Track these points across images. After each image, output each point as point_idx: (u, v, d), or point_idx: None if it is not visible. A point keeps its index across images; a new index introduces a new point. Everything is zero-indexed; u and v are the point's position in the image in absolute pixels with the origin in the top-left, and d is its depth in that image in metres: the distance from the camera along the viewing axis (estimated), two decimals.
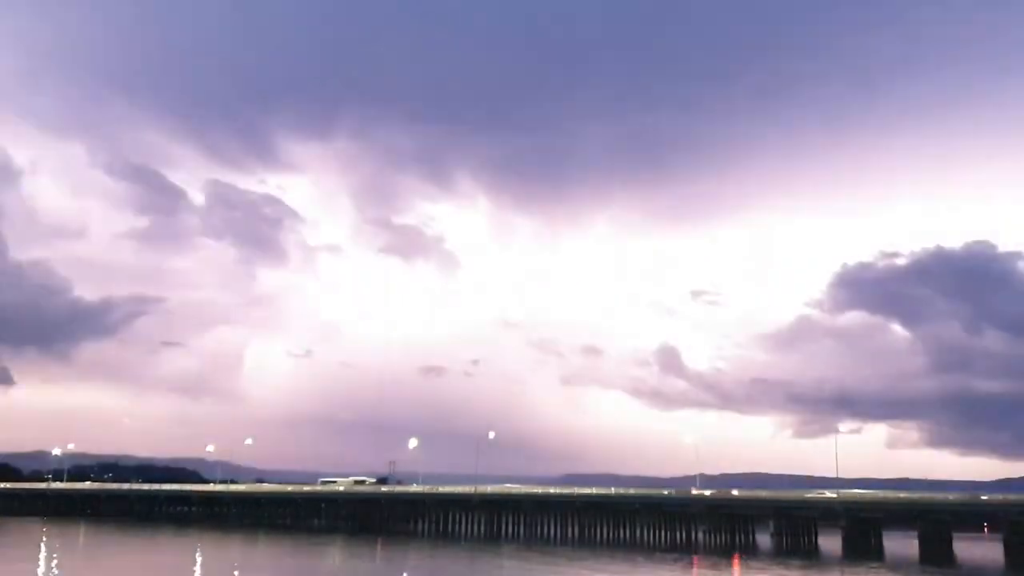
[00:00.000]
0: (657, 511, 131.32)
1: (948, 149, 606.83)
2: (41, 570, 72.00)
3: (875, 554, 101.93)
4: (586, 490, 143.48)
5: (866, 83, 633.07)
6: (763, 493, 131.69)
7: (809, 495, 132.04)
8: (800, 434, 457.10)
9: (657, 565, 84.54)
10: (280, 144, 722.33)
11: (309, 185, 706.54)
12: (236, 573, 72.07)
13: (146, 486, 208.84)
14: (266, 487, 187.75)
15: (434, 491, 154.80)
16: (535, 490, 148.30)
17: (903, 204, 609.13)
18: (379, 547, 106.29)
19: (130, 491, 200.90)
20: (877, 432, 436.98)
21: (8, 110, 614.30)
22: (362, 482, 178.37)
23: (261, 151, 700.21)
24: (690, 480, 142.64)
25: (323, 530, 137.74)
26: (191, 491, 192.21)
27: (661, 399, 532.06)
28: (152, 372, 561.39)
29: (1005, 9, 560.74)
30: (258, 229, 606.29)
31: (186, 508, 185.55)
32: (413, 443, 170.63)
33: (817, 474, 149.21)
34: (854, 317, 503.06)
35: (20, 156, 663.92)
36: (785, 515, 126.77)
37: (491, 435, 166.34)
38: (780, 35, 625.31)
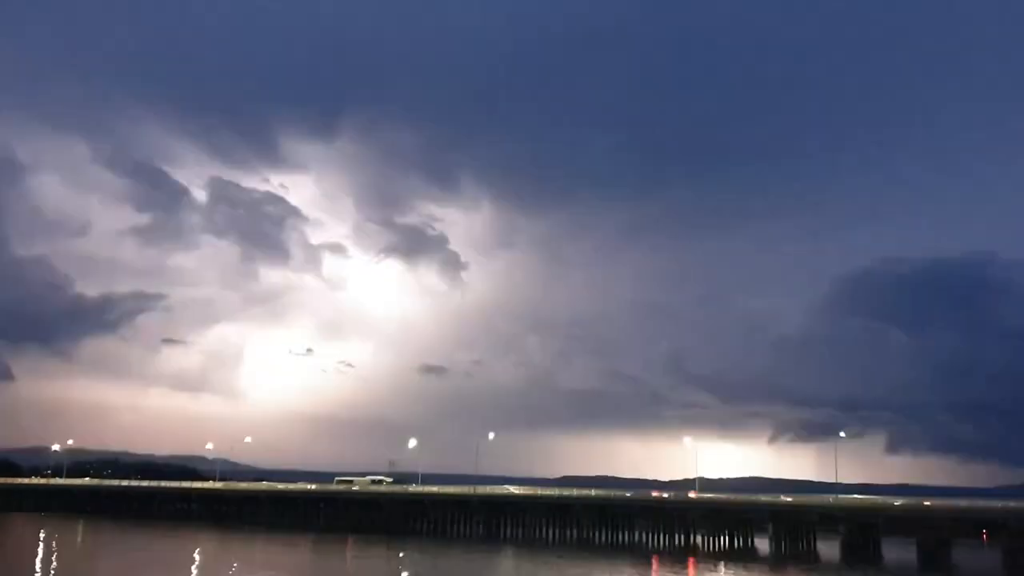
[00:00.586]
0: (656, 514, 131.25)
1: (951, 157, 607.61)
2: (39, 566, 72.08)
3: (873, 560, 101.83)
4: (585, 492, 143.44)
5: (869, 90, 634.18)
6: (762, 497, 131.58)
7: (808, 500, 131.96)
8: (801, 439, 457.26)
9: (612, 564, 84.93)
10: (283, 143, 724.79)
11: (312, 184, 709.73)
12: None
13: (145, 483, 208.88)
14: (266, 485, 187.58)
15: (433, 492, 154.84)
16: (534, 492, 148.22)
17: (905, 212, 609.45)
18: (350, 546, 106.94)
19: (129, 488, 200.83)
20: (878, 438, 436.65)
21: (11, 106, 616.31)
22: (379, 481, 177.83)
23: (265, 149, 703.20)
24: (690, 484, 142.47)
25: (322, 529, 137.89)
26: (191, 488, 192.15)
27: (663, 402, 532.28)
28: (153, 369, 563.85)
29: (1007, 16, 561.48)
30: (260, 227, 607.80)
31: (185, 505, 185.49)
32: (413, 443, 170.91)
33: (817, 479, 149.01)
34: (855, 324, 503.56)
35: (23, 152, 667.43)
36: (784, 519, 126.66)
37: (491, 436, 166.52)
38: (782, 41, 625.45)
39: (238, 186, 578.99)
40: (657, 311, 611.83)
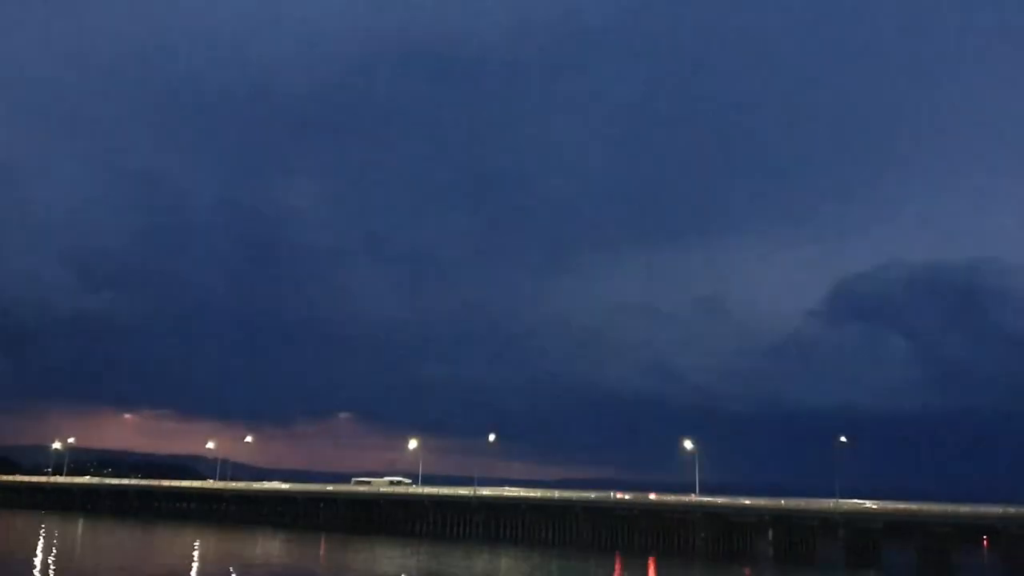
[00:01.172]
0: (655, 517, 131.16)
1: (951, 163, 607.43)
2: (39, 562, 72.12)
3: (873, 564, 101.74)
4: (585, 494, 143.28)
5: (870, 97, 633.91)
6: (762, 501, 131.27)
7: (808, 504, 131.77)
8: (799, 442, 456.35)
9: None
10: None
11: (312, 187, 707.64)
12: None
13: (145, 482, 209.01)
14: (265, 485, 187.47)
15: (433, 492, 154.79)
16: (534, 494, 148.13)
17: (904, 217, 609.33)
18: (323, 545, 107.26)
19: (129, 486, 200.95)
20: (875, 442, 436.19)
21: (14, 111, 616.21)
22: (399, 482, 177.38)
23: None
24: (690, 487, 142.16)
25: (321, 529, 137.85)
26: (190, 487, 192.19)
27: (662, 405, 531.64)
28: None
29: (1010, 21, 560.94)
30: (262, 231, 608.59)
31: (185, 504, 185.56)
32: (412, 444, 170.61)
33: (820, 484, 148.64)
34: (853, 328, 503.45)
35: (24, 157, 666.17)
36: (784, 523, 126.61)
37: (491, 438, 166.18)
38: (787, 48, 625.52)
39: (244, 192, 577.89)
40: (656, 314, 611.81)
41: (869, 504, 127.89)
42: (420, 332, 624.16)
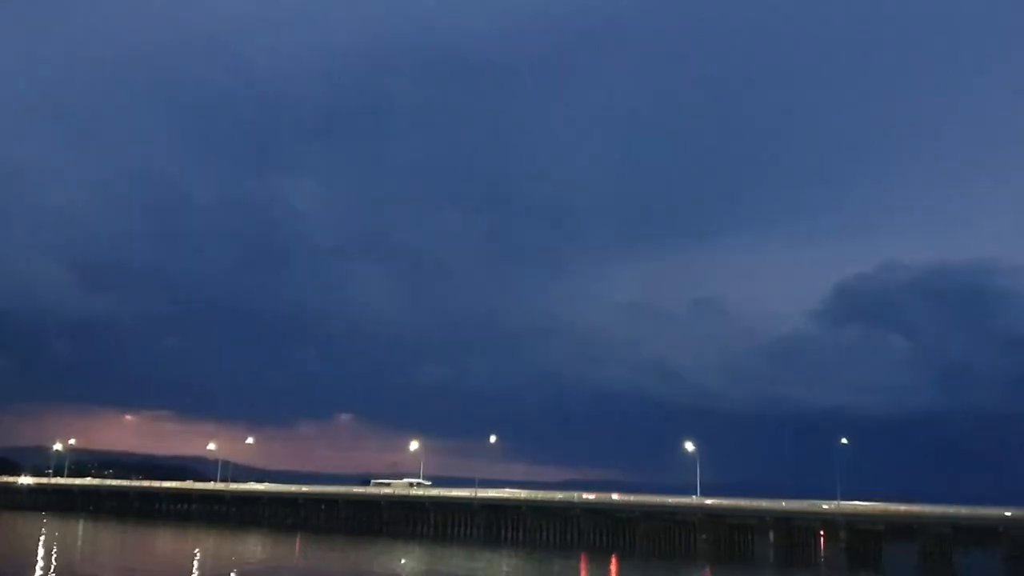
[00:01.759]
0: (657, 518, 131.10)
1: (952, 164, 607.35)
2: (40, 563, 72.09)
3: (875, 566, 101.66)
4: (586, 496, 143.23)
5: (870, 97, 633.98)
6: (764, 503, 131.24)
7: (810, 505, 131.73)
8: (800, 444, 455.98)
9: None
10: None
11: (313, 187, 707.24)
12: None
13: (146, 483, 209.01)
14: (267, 486, 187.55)
15: (434, 494, 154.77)
16: (535, 495, 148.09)
17: (905, 218, 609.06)
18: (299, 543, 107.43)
19: (130, 488, 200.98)
20: (878, 444, 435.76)
21: (13, 110, 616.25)
22: (418, 484, 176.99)
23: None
24: (691, 487, 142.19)
25: (322, 530, 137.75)
26: (191, 489, 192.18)
27: (662, 406, 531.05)
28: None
29: (1005, 23, 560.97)
30: (263, 231, 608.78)
31: (186, 506, 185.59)
32: (414, 445, 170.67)
33: (820, 485, 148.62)
34: (854, 329, 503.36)
35: (24, 156, 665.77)
36: (785, 525, 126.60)
37: (492, 439, 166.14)
38: (785, 48, 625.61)
39: (239, 188, 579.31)
40: (657, 314, 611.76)
41: (870, 506, 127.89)
42: (420, 333, 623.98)
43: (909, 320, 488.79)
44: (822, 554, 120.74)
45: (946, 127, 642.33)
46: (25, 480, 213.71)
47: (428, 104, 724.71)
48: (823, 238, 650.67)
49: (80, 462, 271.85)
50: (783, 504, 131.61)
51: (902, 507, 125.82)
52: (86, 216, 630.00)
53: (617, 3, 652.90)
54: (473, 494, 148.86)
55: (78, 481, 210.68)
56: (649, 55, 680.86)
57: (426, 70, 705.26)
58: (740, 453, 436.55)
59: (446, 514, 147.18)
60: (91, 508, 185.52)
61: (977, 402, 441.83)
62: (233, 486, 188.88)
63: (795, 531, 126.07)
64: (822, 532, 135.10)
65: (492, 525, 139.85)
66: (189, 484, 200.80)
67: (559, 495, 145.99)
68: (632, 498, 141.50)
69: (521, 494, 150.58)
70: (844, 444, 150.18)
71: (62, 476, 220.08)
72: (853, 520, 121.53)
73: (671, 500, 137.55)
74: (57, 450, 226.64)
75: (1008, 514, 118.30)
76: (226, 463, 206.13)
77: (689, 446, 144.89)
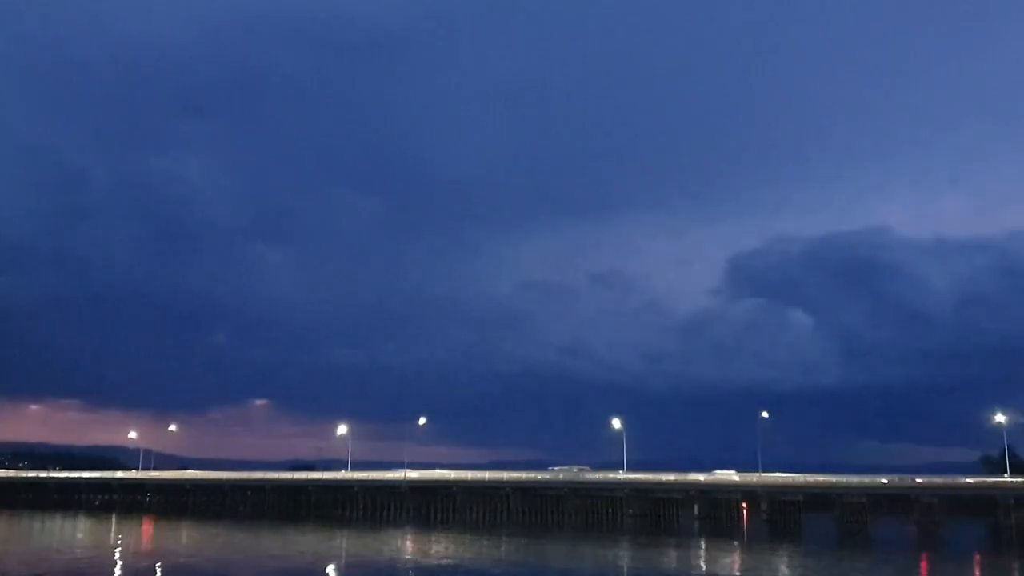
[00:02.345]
0: (584, 495, 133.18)
1: (844, 136, 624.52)
2: None
3: (795, 536, 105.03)
4: (515, 475, 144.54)
5: (763, 75, 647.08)
6: (688, 477, 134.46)
7: (732, 478, 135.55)
8: (723, 421, 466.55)
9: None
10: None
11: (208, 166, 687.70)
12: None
13: (64, 474, 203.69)
14: (190, 474, 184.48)
15: (362, 478, 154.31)
16: (465, 475, 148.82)
17: (797, 191, 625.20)
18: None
19: (48, 479, 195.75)
20: (796, 418, 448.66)
21: None
22: (582, 470, 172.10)
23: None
24: (616, 465, 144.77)
25: (248, 517, 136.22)
26: (112, 478, 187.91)
27: (580, 384, 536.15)
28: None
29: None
30: (162, 211, 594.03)
31: (107, 496, 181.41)
32: (341, 430, 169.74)
33: (744, 460, 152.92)
34: (752, 304, 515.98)
35: None
36: (710, 498, 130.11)
37: (421, 421, 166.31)
38: (679, 29, 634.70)
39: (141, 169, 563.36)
40: (560, 292, 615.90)
41: (790, 477, 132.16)
42: (328, 315, 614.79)
43: (806, 294, 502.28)
44: (745, 525, 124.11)
45: (841, 97, 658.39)
46: None
47: (313, 78, 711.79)
48: (717, 214, 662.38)
49: None
50: (707, 477, 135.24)
51: (820, 478, 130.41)
52: None
53: None
54: (402, 476, 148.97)
55: None
56: (545, 26, 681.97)
57: (310, 42, 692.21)
58: (659, 430, 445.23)
59: (375, 498, 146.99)
60: (7, 502, 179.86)
61: (877, 374, 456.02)
62: (155, 474, 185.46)
63: (718, 504, 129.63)
64: (744, 504, 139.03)
65: (422, 508, 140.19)
66: (109, 474, 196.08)
67: (487, 475, 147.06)
68: (560, 475, 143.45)
69: (451, 475, 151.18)
70: (764, 417, 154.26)
71: None
72: (774, 492, 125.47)
73: (598, 476, 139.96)
74: None
75: (919, 481, 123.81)
76: (148, 452, 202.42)
77: (616, 423, 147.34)
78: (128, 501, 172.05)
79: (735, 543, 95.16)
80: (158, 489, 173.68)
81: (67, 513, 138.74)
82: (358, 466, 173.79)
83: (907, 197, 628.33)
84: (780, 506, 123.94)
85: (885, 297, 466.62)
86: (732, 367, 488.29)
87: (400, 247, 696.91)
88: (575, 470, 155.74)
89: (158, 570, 60.56)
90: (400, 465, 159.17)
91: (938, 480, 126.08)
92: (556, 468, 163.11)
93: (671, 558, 77.15)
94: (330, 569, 64.71)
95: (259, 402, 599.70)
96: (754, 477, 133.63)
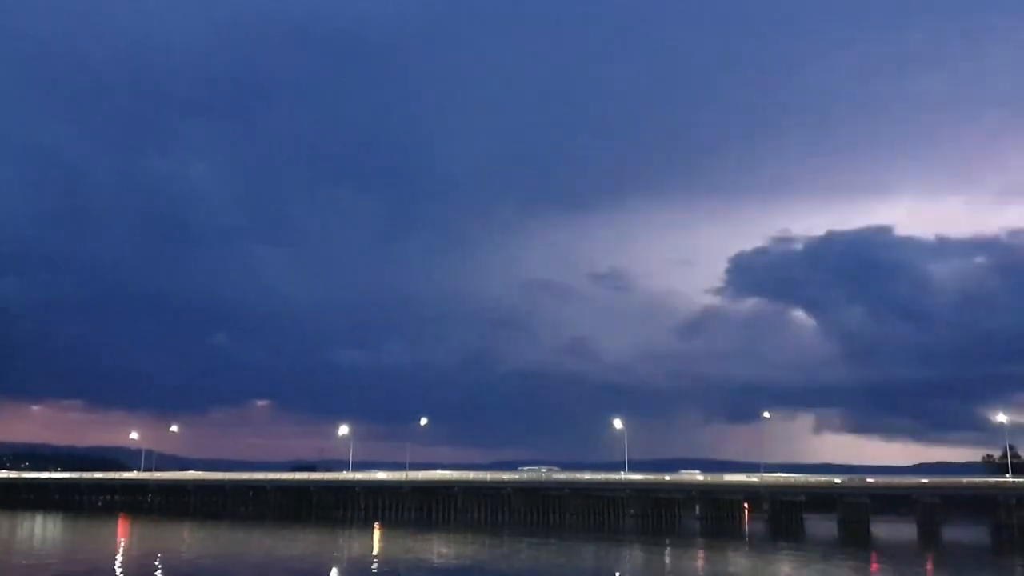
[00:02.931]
0: (586, 496, 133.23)
1: (845, 135, 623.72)
2: None
3: (797, 535, 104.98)
4: (516, 475, 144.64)
5: (760, 69, 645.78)
6: (689, 477, 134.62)
7: (734, 479, 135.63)
8: (728, 421, 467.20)
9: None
10: None
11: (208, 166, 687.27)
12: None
13: (66, 474, 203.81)
14: (192, 474, 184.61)
15: (364, 478, 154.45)
16: (467, 476, 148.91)
17: (799, 190, 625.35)
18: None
19: (50, 480, 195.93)
20: (804, 419, 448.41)
21: None
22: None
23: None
24: (618, 465, 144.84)
25: (249, 517, 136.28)
26: (114, 479, 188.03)
27: (583, 383, 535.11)
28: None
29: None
30: (164, 213, 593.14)
31: (110, 497, 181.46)
32: (343, 430, 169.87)
33: (746, 460, 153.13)
34: (754, 303, 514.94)
35: None
36: (711, 499, 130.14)
37: (423, 421, 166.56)
38: (672, 22, 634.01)
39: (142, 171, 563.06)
40: (562, 292, 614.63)
41: (792, 477, 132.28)
42: (330, 316, 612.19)
43: (807, 293, 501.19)
44: (746, 525, 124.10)
45: (838, 101, 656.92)
46: None
47: (315, 78, 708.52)
48: (718, 213, 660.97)
49: None
50: (708, 478, 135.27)
51: (822, 478, 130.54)
52: None
53: None
54: (404, 477, 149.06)
55: None
56: (545, 25, 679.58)
57: (311, 43, 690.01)
58: (662, 429, 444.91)
59: (377, 498, 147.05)
60: (9, 504, 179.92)
61: (879, 372, 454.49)
62: (158, 475, 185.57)
63: (720, 504, 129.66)
64: (746, 504, 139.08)
65: (424, 508, 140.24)
66: (112, 475, 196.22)
67: (489, 475, 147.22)
68: (562, 476, 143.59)
69: (452, 475, 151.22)
70: (765, 417, 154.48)
71: None
72: (775, 492, 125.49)
73: (600, 477, 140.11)
74: None
75: (925, 481, 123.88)
76: (149, 453, 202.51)
77: (617, 423, 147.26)
78: (130, 502, 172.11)
79: (736, 543, 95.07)
80: (160, 490, 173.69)
81: (68, 514, 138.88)
82: (359, 466, 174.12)
83: (908, 196, 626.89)
84: (782, 506, 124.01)
85: (886, 296, 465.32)
86: (733, 367, 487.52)
87: (400, 247, 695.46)
88: (543, 471, 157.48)
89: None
90: (402, 466, 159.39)
91: (940, 480, 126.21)
92: (524, 468, 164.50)
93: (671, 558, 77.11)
94: (332, 571, 64.70)
95: (260, 403, 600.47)
96: (756, 477, 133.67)
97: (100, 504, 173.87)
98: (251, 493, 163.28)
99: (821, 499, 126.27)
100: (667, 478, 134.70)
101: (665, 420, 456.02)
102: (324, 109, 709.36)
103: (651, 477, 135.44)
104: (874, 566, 73.15)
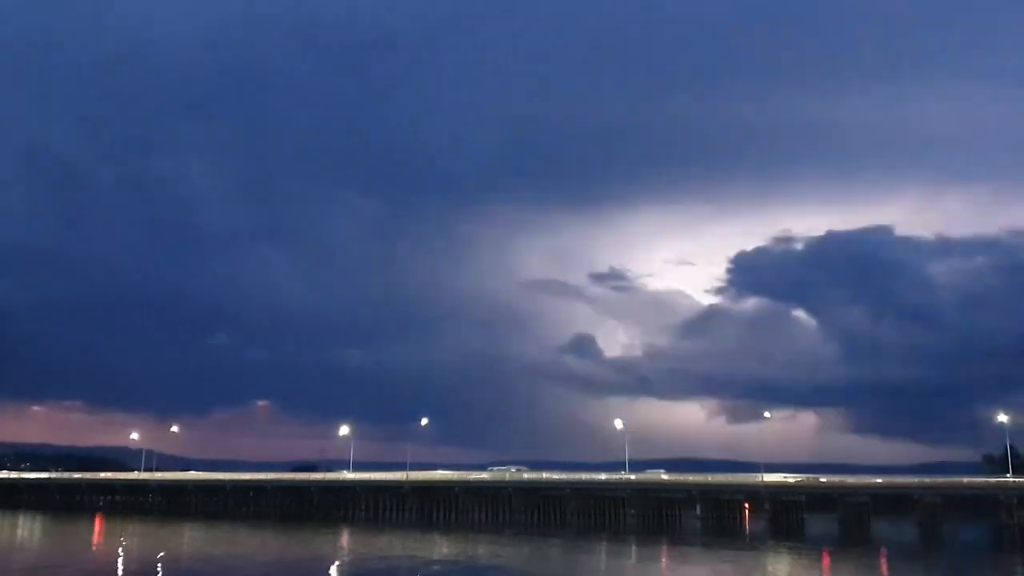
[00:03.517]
0: (587, 495, 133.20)
1: (846, 135, 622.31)
2: None
3: (798, 535, 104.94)
4: (516, 475, 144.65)
5: (759, 66, 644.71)
6: (690, 477, 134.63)
7: (734, 479, 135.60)
8: (729, 421, 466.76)
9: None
10: None
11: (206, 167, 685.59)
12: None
13: (67, 475, 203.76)
14: (193, 475, 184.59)
15: (364, 478, 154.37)
16: (467, 476, 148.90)
17: (800, 190, 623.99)
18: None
19: (51, 480, 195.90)
20: (804, 419, 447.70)
21: None
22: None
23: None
24: (620, 466, 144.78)
25: (250, 518, 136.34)
26: (115, 479, 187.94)
27: (584, 385, 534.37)
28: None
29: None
30: (165, 214, 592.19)
31: (110, 497, 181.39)
32: (344, 431, 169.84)
33: (747, 460, 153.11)
34: (755, 304, 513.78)
35: None
36: (712, 499, 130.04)
37: (424, 422, 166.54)
38: (677, 22, 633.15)
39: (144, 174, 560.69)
40: (564, 291, 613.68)
41: (792, 477, 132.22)
42: (330, 316, 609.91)
43: (808, 293, 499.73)
44: (747, 525, 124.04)
45: (839, 101, 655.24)
46: None
47: (315, 78, 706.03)
48: (719, 213, 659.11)
49: None
50: (709, 478, 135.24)
51: (823, 478, 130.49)
52: None
53: None
54: (405, 477, 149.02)
55: None
56: (545, 24, 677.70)
57: (312, 43, 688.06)
58: (662, 429, 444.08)
59: (378, 498, 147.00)
60: (9, 504, 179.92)
61: (881, 372, 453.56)
62: (158, 475, 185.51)
63: (721, 504, 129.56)
64: (747, 504, 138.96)
65: (424, 508, 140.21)
66: (112, 475, 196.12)
67: (487, 475, 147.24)
68: (563, 476, 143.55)
69: (453, 476, 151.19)
70: (767, 417, 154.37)
71: None
72: (776, 492, 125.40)
73: (601, 477, 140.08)
74: None
75: (922, 482, 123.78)
76: (150, 453, 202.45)
77: (618, 423, 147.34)
78: (131, 502, 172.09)
79: (736, 543, 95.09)
80: (161, 490, 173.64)
81: (71, 514, 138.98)
82: (360, 467, 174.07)
83: (909, 196, 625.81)
84: (782, 506, 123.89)
85: (888, 296, 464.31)
86: (733, 367, 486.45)
87: (401, 247, 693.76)
88: (513, 470, 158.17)
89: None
90: (402, 466, 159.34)
91: (941, 480, 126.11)
92: (495, 468, 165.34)
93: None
94: (332, 570, 64.76)
95: (261, 403, 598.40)
96: (757, 478, 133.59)
97: (101, 504, 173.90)
98: (252, 493, 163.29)
99: (822, 499, 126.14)
100: (667, 478, 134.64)
101: (665, 420, 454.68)
102: (325, 109, 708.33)
103: (652, 477, 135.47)
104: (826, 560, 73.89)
